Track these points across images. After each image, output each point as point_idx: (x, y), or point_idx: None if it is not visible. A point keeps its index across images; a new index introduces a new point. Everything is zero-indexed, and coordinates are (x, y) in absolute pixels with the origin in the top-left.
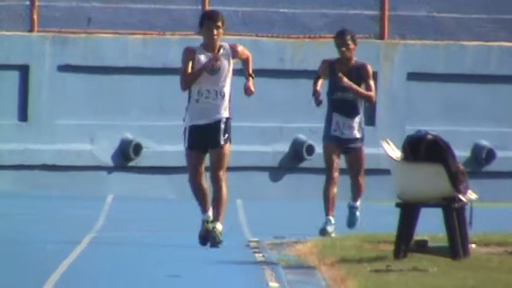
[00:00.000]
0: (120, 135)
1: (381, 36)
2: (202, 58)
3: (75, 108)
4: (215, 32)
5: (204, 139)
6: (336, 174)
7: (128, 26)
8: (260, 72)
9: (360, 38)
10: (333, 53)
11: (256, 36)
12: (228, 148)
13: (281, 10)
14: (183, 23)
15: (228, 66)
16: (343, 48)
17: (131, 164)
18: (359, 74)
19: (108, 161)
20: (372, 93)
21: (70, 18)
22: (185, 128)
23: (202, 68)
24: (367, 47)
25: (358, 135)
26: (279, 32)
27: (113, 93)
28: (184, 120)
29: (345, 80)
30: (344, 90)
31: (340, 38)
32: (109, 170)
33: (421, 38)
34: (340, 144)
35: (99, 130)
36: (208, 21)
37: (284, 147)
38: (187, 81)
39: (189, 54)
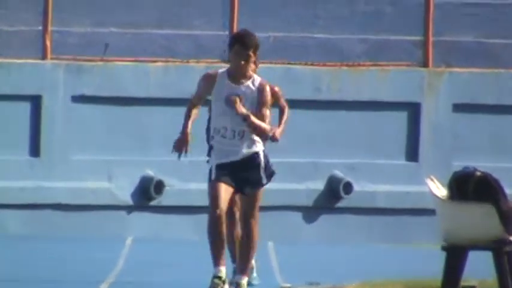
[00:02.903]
0: (141, 171)
1: (425, 64)
2: (223, 86)
3: (91, 143)
4: (242, 62)
5: (237, 173)
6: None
7: (149, 52)
8: (293, 103)
9: (402, 66)
10: (372, 81)
11: (289, 63)
12: (261, 189)
13: (316, 35)
14: (208, 50)
15: (251, 104)
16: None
17: (153, 203)
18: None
19: (127, 199)
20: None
21: (85, 45)
22: (211, 168)
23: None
24: (409, 75)
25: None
26: (313, 59)
27: (133, 126)
28: (208, 161)
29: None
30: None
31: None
32: (128, 209)
33: (469, 66)
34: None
35: (118, 166)
36: (237, 45)
37: (319, 185)
38: (186, 112)
39: (207, 79)
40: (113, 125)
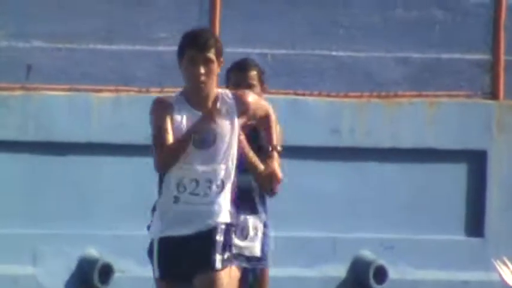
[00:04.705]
0: (79, 250)
1: (494, 95)
2: (185, 119)
3: (8, 209)
4: (202, 70)
5: (187, 258)
6: None
7: (92, 77)
8: (302, 151)
9: (459, 97)
10: (416, 120)
11: (295, 94)
12: (227, 276)
13: (334, 53)
14: (177, 74)
15: (232, 131)
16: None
17: None
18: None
19: None
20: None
21: None
22: (152, 242)
23: (190, 132)
24: (470, 110)
25: (258, 250)
26: (331, 88)
27: (68, 184)
28: (149, 227)
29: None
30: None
31: (241, 73)
32: None
33: None
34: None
35: (47, 243)
36: (190, 49)
37: (340, 271)
38: (169, 158)
39: (163, 109)
40: (38, 182)
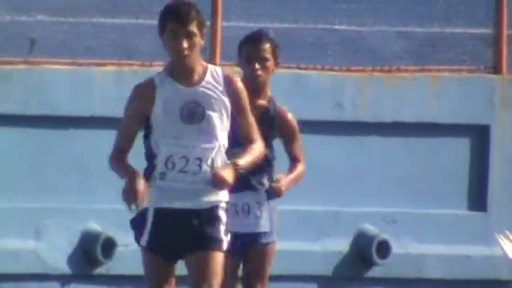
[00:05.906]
0: (82, 224)
1: (496, 69)
2: (171, 92)
3: (9, 183)
4: (185, 44)
5: (180, 233)
6: None
7: (94, 51)
8: (305, 125)
9: (462, 72)
10: (418, 94)
11: (298, 68)
12: (221, 255)
13: (337, 27)
14: None
15: (220, 108)
16: (257, 66)
17: (99, 270)
18: (272, 124)
19: (62, 266)
20: (302, 168)
21: (2, 40)
22: (145, 211)
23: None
24: (473, 85)
25: (265, 225)
26: (333, 62)
27: (70, 158)
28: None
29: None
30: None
31: (254, 45)
32: (64, 280)
33: None
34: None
35: (49, 217)
36: (172, 23)
37: (342, 245)
38: (110, 163)
39: (138, 97)
40: (41, 157)
